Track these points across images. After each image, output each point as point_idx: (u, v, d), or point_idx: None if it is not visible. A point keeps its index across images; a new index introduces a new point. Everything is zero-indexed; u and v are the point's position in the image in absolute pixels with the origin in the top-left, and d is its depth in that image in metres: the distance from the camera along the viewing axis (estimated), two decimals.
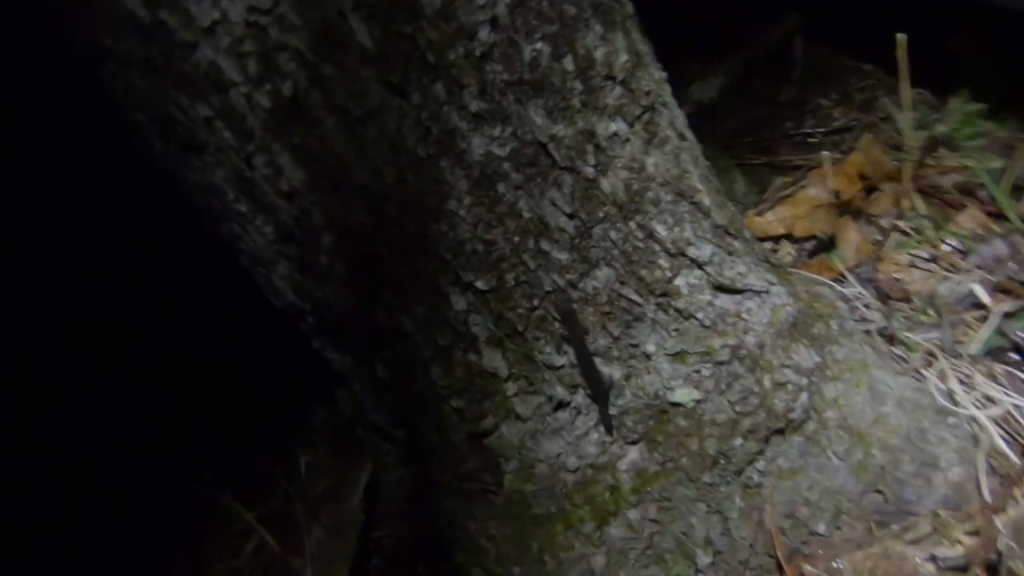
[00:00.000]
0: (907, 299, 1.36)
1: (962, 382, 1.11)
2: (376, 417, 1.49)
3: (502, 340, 1.07)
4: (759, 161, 2.07)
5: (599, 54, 0.98)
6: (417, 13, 0.87)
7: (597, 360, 1.09)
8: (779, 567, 1.11)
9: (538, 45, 0.93)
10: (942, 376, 1.13)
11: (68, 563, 1.73)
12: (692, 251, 1.08)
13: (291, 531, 1.78)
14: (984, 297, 1.20)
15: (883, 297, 1.35)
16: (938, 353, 1.16)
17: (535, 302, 1.05)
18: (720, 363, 1.10)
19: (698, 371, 1.10)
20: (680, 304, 1.08)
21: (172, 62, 0.90)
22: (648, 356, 1.10)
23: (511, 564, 1.11)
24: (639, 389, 1.11)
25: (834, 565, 1.05)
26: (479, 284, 1.02)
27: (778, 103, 2.36)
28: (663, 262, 1.07)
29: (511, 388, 1.08)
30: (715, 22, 2.86)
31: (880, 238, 1.53)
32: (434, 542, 1.42)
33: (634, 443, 1.12)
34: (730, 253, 1.12)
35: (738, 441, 1.09)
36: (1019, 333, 1.14)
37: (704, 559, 1.11)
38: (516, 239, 1.01)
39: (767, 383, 1.08)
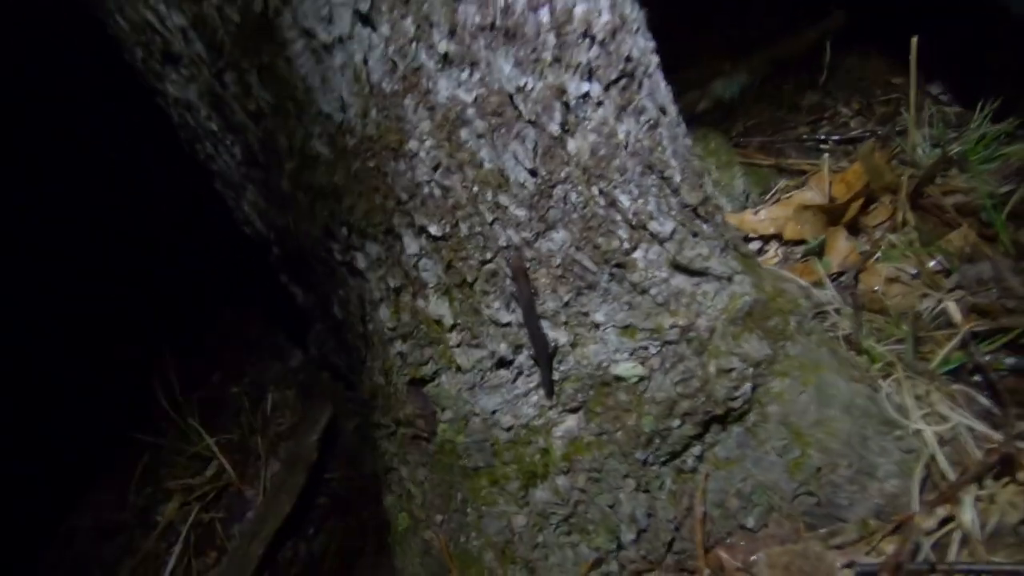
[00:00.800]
0: (883, 312, 1.32)
1: (917, 397, 1.08)
2: (335, 359, 1.51)
3: (450, 289, 1.07)
4: (766, 162, 2.02)
5: (579, 10, 0.96)
6: None
7: (544, 324, 1.08)
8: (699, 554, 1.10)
9: None
10: (897, 387, 1.10)
11: (27, 462, 1.80)
12: (653, 225, 1.06)
13: (250, 463, 1.83)
14: (955, 315, 1.16)
15: (858, 307, 1.31)
16: (898, 365, 1.12)
17: (488, 255, 1.05)
18: (668, 342, 1.08)
19: (645, 347, 1.09)
20: (635, 277, 1.07)
21: None
22: (596, 326, 1.09)
23: (435, 512, 1.12)
24: (583, 357, 1.10)
25: (752, 558, 1.04)
26: (432, 229, 1.02)
27: (799, 107, 2.30)
28: (622, 232, 1.06)
29: (454, 338, 1.08)
30: (751, 20, 2.79)
31: (869, 249, 1.48)
32: (378, 487, 1.44)
33: (572, 411, 1.11)
34: (695, 234, 1.10)
35: (675, 423, 1.08)
36: (985, 356, 1.10)
37: (627, 535, 1.10)
38: (474, 188, 1.01)
39: (712, 368, 1.06)
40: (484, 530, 1.08)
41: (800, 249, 1.62)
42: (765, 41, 2.57)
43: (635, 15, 1.06)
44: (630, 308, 1.09)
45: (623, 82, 1.02)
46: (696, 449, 1.10)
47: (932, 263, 1.33)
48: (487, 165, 1.00)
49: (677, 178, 1.09)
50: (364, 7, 0.89)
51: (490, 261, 1.05)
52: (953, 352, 1.13)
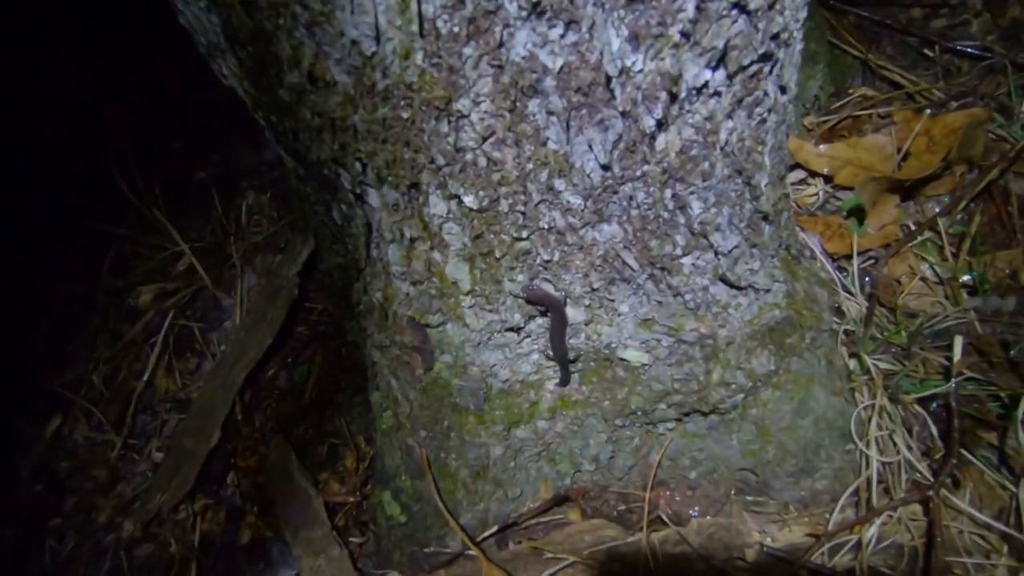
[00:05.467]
0: (893, 309, 1.31)
1: (880, 426, 1.16)
2: (329, 222, 1.38)
3: (474, 258, 0.94)
4: (856, 51, 1.68)
5: None
6: None
7: (568, 303, 1.01)
8: (644, 487, 1.28)
9: None
10: (868, 412, 1.17)
11: None
12: (716, 237, 0.93)
13: (224, 268, 1.79)
14: (956, 352, 1.17)
15: (872, 296, 1.29)
16: (880, 393, 1.17)
17: (524, 233, 0.91)
18: (682, 342, 1.05)
19: (658, 340, 1.06)
20: (675, 281, 0.98)
21: None
22: (617, 313, 1.04)
23: (420, 427, 1.19)
24: (595, 335, 1.07)
25: (687, 511, 1.22)
26: (467, 200, 0.85)
27: None
28: (680, 239, 0.92)
29: (468, 301, 1.00)
30: None
31: (913, 227, 1.38)
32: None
33: None
34: (753, 246, 0.98)
35: (662, 406, 1.12)
36: (958, 400, 1.15)
37: (587, 467, 1.25)
38: (528, 167, 0.81)
39: (715, 376, 1.07)
40: (464, 454, 1.18)
41: (842, 195, 1.49)
42: None
43: None
44: (658, 306, 1.02)
45: (755, 68, 0.77)
46: (670, 425, 1.18)
47: (966, 276, 1.28)
48: (551, 146, 0.79)
49: (764, 183, 0.91)
50: None
51: (525, 239, 0.92)
52: (933, 381, 1.18)
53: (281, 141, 1.00)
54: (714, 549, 1.16)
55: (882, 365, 1.23)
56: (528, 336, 1.07)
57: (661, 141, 0.79)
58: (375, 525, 1.31)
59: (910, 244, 1.36)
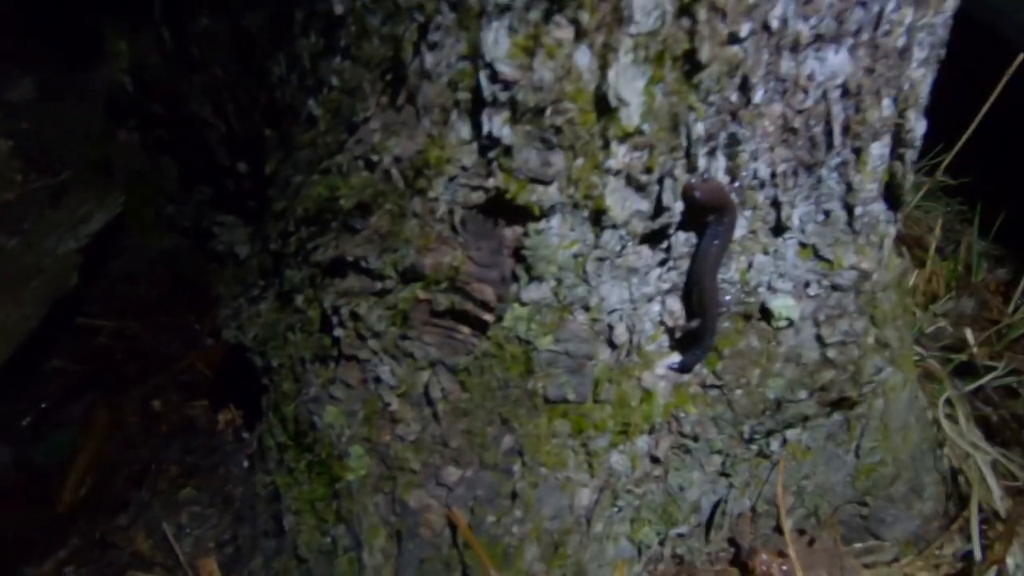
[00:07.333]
0: None
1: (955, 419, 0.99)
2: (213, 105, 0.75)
3: (662, 57, 0.53)
4: None
5: None
6: None
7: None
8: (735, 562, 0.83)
9: None
10: (950, 406, 1.00)
11: None
12: (911, 114, 0.71)
13: None
14: (970, 338, 1.12)
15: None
16: (946, 380, 1.03)
17: (745, 28, 0.55)
18: (835, 287, 0.75)
19: (807, 283, 0.74)
20: (856, 179, 0.70)
21: None
22: (782, 229, 0.70)
23: (447, 461, 0.57)
24: (741, 273, 0.69)
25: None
26: None
27: None
28: (887, 103, 0.68)
29: (620, 156, 0.55)
30: None
31: None
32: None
33: None
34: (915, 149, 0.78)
35: (803, 395, 0.76)
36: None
37: (681, 527, 0.76)
38: None
39: (871, 338, 0.78)
40: (537, 509, 0.59)
41: None
42: None
43: None
44: (823, 224, 0.72)
45: None
46: (793, 432, 0.81)
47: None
48: None
49: None
50: None
51: (742, 40, 0.55)
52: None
53: None
54: None
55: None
56: (666, 260, 0.64)
57: None
58: None
59: None
